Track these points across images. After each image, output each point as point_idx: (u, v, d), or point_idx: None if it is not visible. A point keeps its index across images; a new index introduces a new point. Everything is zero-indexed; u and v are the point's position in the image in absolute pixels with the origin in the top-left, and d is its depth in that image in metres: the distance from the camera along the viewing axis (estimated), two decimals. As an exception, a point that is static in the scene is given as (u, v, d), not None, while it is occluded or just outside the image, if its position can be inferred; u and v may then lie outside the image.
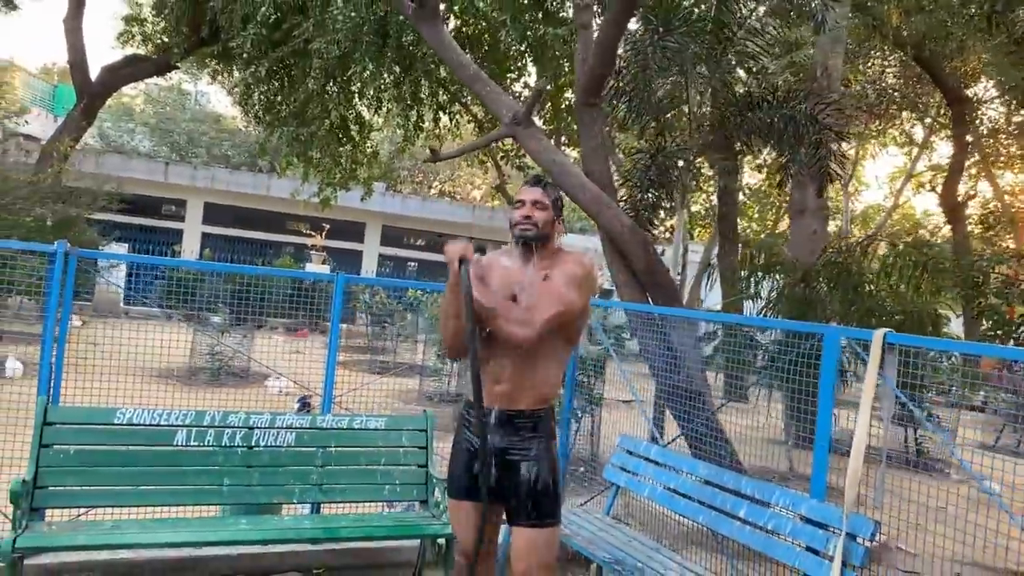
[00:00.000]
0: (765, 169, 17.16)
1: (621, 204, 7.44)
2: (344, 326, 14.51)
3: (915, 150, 23.78)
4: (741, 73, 8.82)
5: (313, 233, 20.61)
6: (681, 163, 7.70)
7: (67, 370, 4.58)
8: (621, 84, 7.43)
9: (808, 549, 3.39)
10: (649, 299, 6.28)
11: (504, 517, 2.94)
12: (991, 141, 19.41)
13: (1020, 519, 2.89)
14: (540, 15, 11.25)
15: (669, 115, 8.05)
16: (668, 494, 4.22)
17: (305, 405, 5.82)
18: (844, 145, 24.38)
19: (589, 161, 6.23)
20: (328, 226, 20.73)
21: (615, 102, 7.62)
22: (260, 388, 9.82)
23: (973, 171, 20.78)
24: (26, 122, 16.79)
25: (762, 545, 3.59)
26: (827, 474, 3.51)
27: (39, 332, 4.50)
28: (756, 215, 29.01)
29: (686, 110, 7.84)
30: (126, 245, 18.08)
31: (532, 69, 12.73)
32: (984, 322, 7.09)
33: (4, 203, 9.48)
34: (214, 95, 36.27)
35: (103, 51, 70.67)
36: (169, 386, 9.30)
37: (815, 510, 3.42)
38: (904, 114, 19.73)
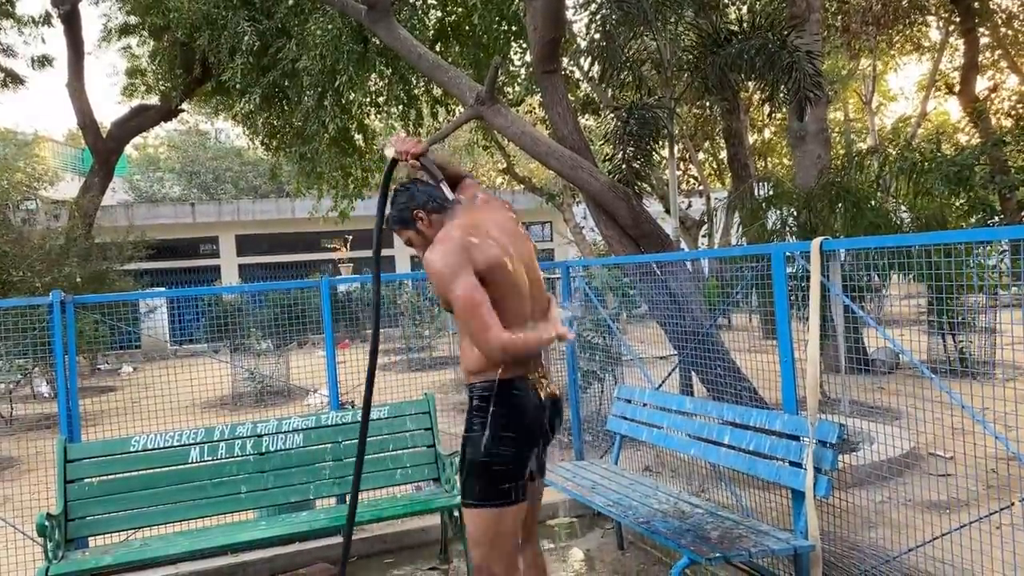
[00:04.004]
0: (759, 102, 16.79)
1: (607, 162, 7.48)
2: (384, 331, 14.83)
3: (936, 55, 23.00)
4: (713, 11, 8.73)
5: (337, 246, 20.99)
6: (663, 113, 7.69)
7: (121, 415, 4.91)
8: (587, 45, 7.44)
9: (792, 464, 3.45)
10: (642, 250, 6.32)
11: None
12: (1008, 32, 18.69)
13: None
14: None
15: (644, 67, 8.04)
16: (662, 433, 4.31)
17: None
18: (864, 62, 23.58)
19: (558, 126, 6.30)
20: (351, 236, 21.08)
21: (585, 64, 7.64)
22: (302, 404, 10.12)
23: (1002, 64, 20.02)
24: (51, 186, 17.43)
25: (747, 466, 3.67)
26: (795, 388, 3.56)
27: (90, 385, 4.83)
28: (786, 151, 28.48)
29: (660, 60, 7.82)
30: (163, 289, 18.70)
31: (516, 47, 12.70)
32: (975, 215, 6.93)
33: (28, 264, 10.02)
34: (231, 130, 36.98)
35: (112, 107, 72.49)
36: (215, 414, 9.69)
37: (787, 423, 3.48)
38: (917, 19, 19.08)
